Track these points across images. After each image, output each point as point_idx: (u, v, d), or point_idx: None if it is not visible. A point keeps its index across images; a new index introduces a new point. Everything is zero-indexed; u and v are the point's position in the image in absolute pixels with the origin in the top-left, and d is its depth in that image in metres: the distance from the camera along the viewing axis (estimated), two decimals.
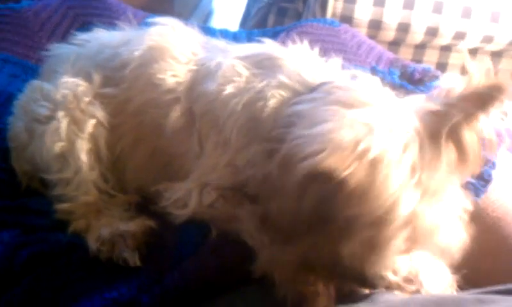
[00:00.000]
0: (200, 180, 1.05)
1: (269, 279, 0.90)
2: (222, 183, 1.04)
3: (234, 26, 2.86)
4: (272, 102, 0.99)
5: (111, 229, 1.02)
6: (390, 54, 1.71)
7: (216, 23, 3.54)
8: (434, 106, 0.81)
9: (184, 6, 3.23)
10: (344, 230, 0.77)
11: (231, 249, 0.99)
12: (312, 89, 0.97)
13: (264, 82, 1.02)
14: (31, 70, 1.47)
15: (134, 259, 0.99)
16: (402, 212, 0.75)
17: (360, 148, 0.74)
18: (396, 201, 0.75)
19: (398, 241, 0.78)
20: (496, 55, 2.37)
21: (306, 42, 1.14)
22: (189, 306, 0.95)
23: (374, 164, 0.74)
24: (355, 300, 0.83)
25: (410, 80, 1.50)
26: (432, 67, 1.61)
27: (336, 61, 1.11)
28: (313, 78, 1.01)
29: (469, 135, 0.79)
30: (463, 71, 2.32)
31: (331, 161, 0.73)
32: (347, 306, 0.82)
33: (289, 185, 0.80)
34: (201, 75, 1.11)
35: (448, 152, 0.79)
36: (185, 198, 1.04)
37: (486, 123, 0.80)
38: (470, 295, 0.78)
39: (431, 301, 0.73)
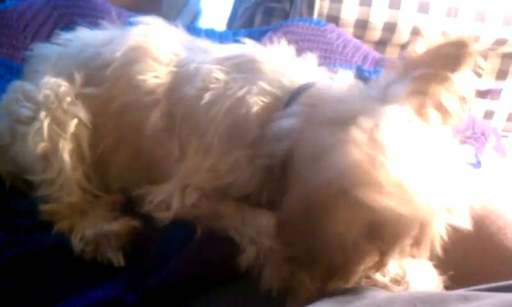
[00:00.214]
0: (181, 182, 1.05)
1: (254, 272, 0.92)
2: (204, 185, 1.04)
3: (222, 26, 2.86)
4: (254, 110, 1.00)
5: (95, 229, 1.02)
6: (375, 53, 1.72)
7: (203, 23, 3.54)
8: (412, 85, 0.81)
9: (172, 6, 3.22)
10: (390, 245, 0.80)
11: (216, 247, 0.99)
12: (292, 95, 0.98)
13: (245, 89, 1.02)
14: (15, 70, 1.46)
15: (118, 259, 0.98)
16: (436, 204, 0.77)
17: (379, 171, 0.74)
18: (429, 201, 0.76)
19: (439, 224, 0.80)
20: (482, 55, 2.39)
21: (283, 41, 1.14)
22: (174, 304, 0.95)
23: (399, 184, 0.74)
24: (341, 294, 0.83)
25: None
26: None
27: (311, 58, 1.11)
28: (292, 82, 1.01)
29: (447, 98, 0.81)
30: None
31: (365, 200, 0.73)
32: (332, 299, 0.82)
33: (323, 224, 0.79)
34: (181, 77, 1.11)
35: (436, 118, 0.81)
36: (167, 200, 1.04)
37: (461, 81, 0.81)
38: (454, 292, 0.78)
39: (416, 298, 0.73)
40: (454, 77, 0.80)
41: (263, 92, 1.01)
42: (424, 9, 2.17)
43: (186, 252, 0.99)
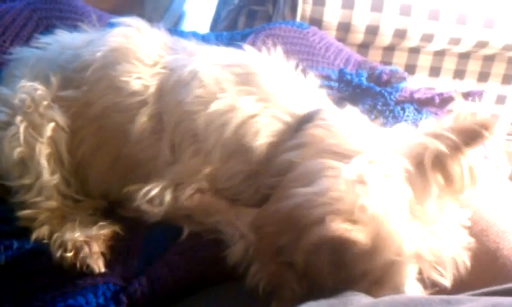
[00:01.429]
0: (175, 181, 1.04)
1: (241, 268, 0.92)
2: (199, 186, 1.04)
3: (205, 29, 2.85)
4: (264, 133, 1.02)
5: (74, 234, 1.01)
6: (358, 56, 1.72)
7: (187, 26, 3.53)
8: (419, 138, 0.87)
9: (155, 9, 3.21)
10: (355, 277, 0.83)
11: (200, 251, 0.98)
12: (300, 122, 1.02)
13: (256, 109, 1.03)
14: None
15: (98, 266, 0.97)
16: (408, 249, 0.81)
17: (358, 207, 0.80)
18: (401, 243, 0.80)
19: (408, 272, 0.84)
20: (464, 57, 2.41)
21: (280, 49, 1.16)
22: None
23: (374, 220, 0.80)
24: (326, 298, 0.83)
25: (378, 82, 1.51)
26: (401, 69, 1.63)
27: (313, 78, 1.15)
28: (300, 109, 1.05)
29: (456, 166, 0.84)
30: (431, 73, 2.36)
31: (337, 229, 0.79)
32: (317, 302, 0.81)
33: (294, 241, 0.86)
34: (172, 80, 1.10)
35: (436, 179, 0.85)
36: (160, 195, 1.03)
37: (472, 157, 0.85)
38: (437, 296, 0.79)
39: (399, 302, 0.73)
40: (467, 150, 0.84)
41: (273, 116, 1.03)
42: (406, 12, 2.18)
43: (169, 256, 0.98)
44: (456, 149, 0.84)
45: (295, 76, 1.13)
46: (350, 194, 0.81)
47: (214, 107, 1.03)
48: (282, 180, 0.94)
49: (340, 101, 1.21)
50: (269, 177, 0.99)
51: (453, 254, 0.85)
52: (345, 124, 0.98)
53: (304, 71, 1.16)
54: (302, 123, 1.01)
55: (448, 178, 0.85)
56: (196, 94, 1.05)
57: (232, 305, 0.93)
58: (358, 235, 0.79)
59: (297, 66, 1.15)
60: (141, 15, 1.26)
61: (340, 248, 0.81)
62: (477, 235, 1.02)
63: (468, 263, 0.87)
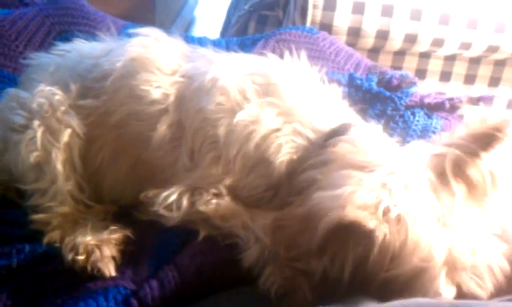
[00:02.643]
0: (192, 186, 1.05)
1: (256, 272, 0.93)
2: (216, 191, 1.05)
3: (215, 34, 2.86)
4: (286, 148, 1.03)
5: (86, 238, 1.01)
6: (368, 61, 1.72)
7: (197, 31, 3.55)
8: (437, 149, 0.89)
9: (166, 14, 3.22)
10: (382, 288, 0.82)
11: (211, 255, 0.99)
12: (325, 138, 1.02)
13: (278, 124, 1.04)
14: (7, 79, 1.46)
15: (109, 270, 0.98)
16: (438, 256, 0.81)
17: (381, 208, 0.80)
18: (430, 250, 0.80)
19: (440, 280, 0.82)
20: (475, 62, 2.40)
21: (304, 56, 1.16)
22: None
23: (399, 223, 0.80)
24: (335, 303, 0.83)
25: (388, 87, 1.51)
26: (411, 74, 1.63)
27: (335, 87, 1.15)
28: (324, 124, 1.05)
29: (474, 171, 0.86)
30: (441, 77, 2.36)
31: (356, 215, 0.78)
32: None
33: (312, 241, 0.84)
34: (193, 87, 1.11)
35: (460, 187, 0.86)
36: (178, 200, 1.04)
37: (491, 161, 0.86)
38: (446, 301, 0.79)
39: (408, 306, 0.73)
40: (484, 154, 0.86)
41: (296, 132, 1.04)
42: (416, 16, 2.17)
43: (180, 260, 0.99)
44: (473, 155, 0.85)
45: (318, 86, 1.14)
46: (373, 196, 0.81)
47: (238, 117, 1.04)
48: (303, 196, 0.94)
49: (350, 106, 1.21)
50: (290, 195, 1.00)
51: (488, 261, 0.84)
52: (368, 140, 0.99)
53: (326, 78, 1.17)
54: (327, 139, 1.02)
55: (470, 184, 0.86)
56: (217, 101, 1.06)
57: None
58: (378, 227, 0.78)
59: (320, 72, 1.16)
60: (152, 20, 1.28)
61: (365, 248, 0.80)
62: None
63: (507, 267, 0.86)
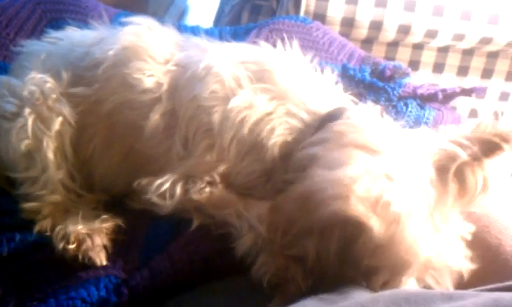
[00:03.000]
0: (185, 174, 1.05)
1: (249, 260, 0.93)
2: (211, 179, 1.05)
3: (208, 23, 2.85)
4: (279, 130, 1.02)
5: (77, 227, 1.01)
6: (361, 51, 1.72)
7: (190, 20, 3.52)
8: (444, 144, 0.88)
9: (159, 4, 3.20)
10: (364, 274, 0.83)
11: (202, 245, 0.99)
12: (319, 122, 1.01)
13: (271, 106, 1.03)
14: None
15: (100, 258, 0.98)
16: (422, 255, 0.81)
17: (382, 202, 0.79)
18: (416, 248, 0.80)
19: (415, 276, 0.84)
20: (468, 53, 2.40)
21: (296, 44, 1.16)
22: (158, 303, 0.95)
23: (393, 218, 0.79)
24: (327, 293, 0.83)
25: (381, 77, 1.51)
26: (404, 64, 1.62)
27: (329, 73, 1.14)
28: (319, 106, 1.05)
29: (472, 176, 0.86)
30: (434, 69, 2.36)
31: (357, 210, 0.79)
32: (318, 297, 0.82)
33: (309, 222, 0.84)
34: (186, 76, 1.10)
35: (453, 187, 0.86)
36: (172, 189, 1.03)
37: (488, 168, 0.87)
38: (439, 291, 0.79)
39: (400, 297, 0.73)
40: (485, 161, 0.86)
41: (290, 114, 1.03)
42: (410, 7, 2.17)
43: (171, 249, 0.99)
44: (475, 159, 0.86)
45: (311, 72, 1.13)
46: (375, 186, 0.81)
47: (231, 103, 1.03)
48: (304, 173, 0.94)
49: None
50: (288, 173, 0.99)
51: (452, 264, 0.85)
52: (368, 121, 0.98)
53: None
54: (324, 121, 1.01)
55: (463, 185, 0.87)
56: (211, 89, 1.06)
57: (233, 300, 0.93)
58: (375, 224, 0.79)
59: (312, 60, 1.15)
60: (144, 8, 1.26)
61: (352, 234, 0.80)
62: (479, 231, 1.02)
63: (464, 276, 0.87)
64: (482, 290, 0.75)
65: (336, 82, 1.15)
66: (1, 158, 1.13)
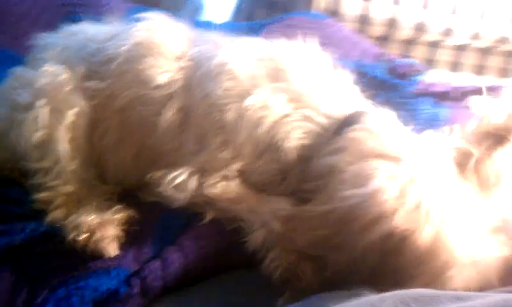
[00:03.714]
0: (200, 167, 1.05)
1: (260, 255, 0.93)
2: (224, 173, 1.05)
3: (224, 20, 2.85)
4: (296, 134, 1.01)
5: (89, 218, 1.01)
6: (375, 49, 1.71)
7: (206, 17, 3.52)
8: (457, 142, 0.89)
9: (174, 0, 3.21)
10: (403, 281, 0.81)
11: (214, 238, 1.00)
12: (336, 126, 1.00)
13: (288, 108, 1.02)
14: (11, 60, 1.45)
15: (111, 249, 0.98)
16: (464, 254, 0.81)
17: (422, 209, 0.80)
18: (458, 248, 0.81)
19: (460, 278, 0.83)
20: (485, 53, 2.38)
21: (315, 41, 1.15)
22: (169, 294, 0.95)
23: (436, 223, 0.80)
24: (336, 290, 0.83)
25: (395, 74, 1.50)
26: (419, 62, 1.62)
27: (346, 73, 1.13)
28: (336, 109, 1.03)
29: (489, 168, 0.86)
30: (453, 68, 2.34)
31: (400, 225, 0.80)
32: (328, 294, 0.82)
33: (341, 240, 0.85)
34: (199, 73, 1.10)
35: (473, 181, 0.86)
36: (186, 181, 1.03)
37: (499, 159, 0.87)
38: (448, 292, 0.79)
39: (409, 296, 0.73)
40: (494, 154, 0.87)
41: (308, 118, 1.02)
42: (426, 5, 2.16)
43: (183, 241, 0.99)
44: (484, 154, 0.86)
45: (328, 71, 1.12)
46: (409, 194, 0.81)
47: (247, 102, 1.02)
48: (324, 184, 0.93)
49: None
50: (307, 181, 0.99)
51: (495, 255, 0.84)
52: (384, 127, 0.97)
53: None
54: (341, 127, 1.00)
55: (483, 180, 0.87)
56: (225, 87, 1.05)
57: (241, 295, 0.93)
58: (420, 233, 0.79)
59: (331, 58, 1.14)
60: (160, 4, 1.27)
61: (396, 247, 0.81)
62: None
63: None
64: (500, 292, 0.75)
65: (354, 82, 1.15)
66: (14, 150, 1.13)
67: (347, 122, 1.00)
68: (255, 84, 1.04)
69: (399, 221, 0.80)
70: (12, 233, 1.01)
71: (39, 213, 1.06)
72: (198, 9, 3.57)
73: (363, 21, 2.19)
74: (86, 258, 0.98)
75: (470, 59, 2.37)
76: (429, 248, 0.80)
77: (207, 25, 1.70)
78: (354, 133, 0.96)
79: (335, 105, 1.04)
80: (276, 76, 1.05)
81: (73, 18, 1.53)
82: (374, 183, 0.83)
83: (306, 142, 1.02)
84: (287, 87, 1.04)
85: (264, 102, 1.03)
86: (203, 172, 1.04)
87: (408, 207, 0.80)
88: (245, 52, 1.11)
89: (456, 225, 0.81)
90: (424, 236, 0.79)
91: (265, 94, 1.03)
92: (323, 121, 1.02)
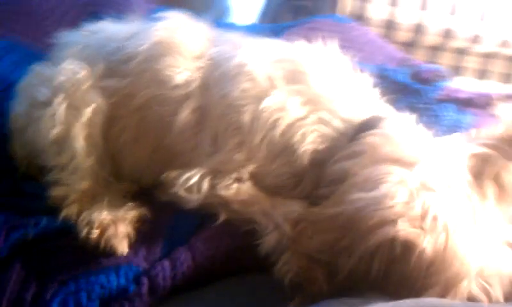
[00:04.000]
0: (214, 168, 1.04)
1: (272, 259, 0.92)
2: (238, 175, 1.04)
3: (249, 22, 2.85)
4: (311, 138, 1.00)
5: (101, 215, 1.01)
6: (399, 53, 1.69)
7: (233, 19, 3.53)
8: (477, 149, 0.86)
9: (201, 2, 3.22)
10: (414, 290, 0.80)
11: (225, 240, 0.98)
12: (353, 131, 0.99)
13: (304, 111, 1.01)
14: (34, 58, 1.46)
15: (122, 247, 0.97)
16: (474, 265, 0.79)
17: (429, 217, 0.78)
18: (468, 259, 0.78)
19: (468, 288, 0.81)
20: None
21: (335, 44, 1.14)
22: (178, 294, 0.94)
23: (444, 232, 0.78)
24: (347, 296, 0.81)
25: (419, 80, 1.47)
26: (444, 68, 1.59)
27: (366, 76, 1.11)
28: (353, 113, 1.02)
29: (507, 175, 0.84)
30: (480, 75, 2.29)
31: (406, 232, 0.77)
32: (338, 300, 0.80)
33: (348, 244, 0.83)
34: (217, 73, 1.10)
35: (492, 191, 0.84)
36: (199, 183, 1.03)
37: None
38: (460, 302, 0.77)
39: (421, 305, 0.71)
40: None
41: (322, 121, 1.01)
42: (453, 11, 2.12)
43: (194, 242, 0.98)
44: (509, 160, 0.83)
45: (348, 74, 1.10)
46: (417, 200, 0.79)
47: (264, 104, 1.02)
48: (337, 188, 0.92)
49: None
50: (321, 186, 0.98)
51: (503, 271, 0.82)
52: (402, 132, 0.96)
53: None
54: (358, 131, 0.98)
55: (502, 190, 0.84)
56: (243, 88, 1.04)
57: (251, 298, 0.92)
58: (426, 241, 0.77)
59: (351, 60, 1.13)
60: (186, 6, 1.26)
61: (403, 255, 0.78)
62: None
63: None
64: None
65: (374, 86, 1.13)
66: (31, 146, 1.14)
67: (365, 127, 0.99)
68: (273, 86, 1.03)
69: (404, 227, 0.77)
70: (25, 227, 1.02)
71: (54, 209, 1.06)
72: (225, 11, 3.58)
73: (389, 26, 2.16)
74: (97, 254, 0.98)
75: (497, 66, 2.31)
76: (436, 258, 0.78)
77: (229, 27, 1.69)
78: (371, 138, 0.94)
79: (353, 109, 1.03)
80: (294, 78, 1.04)
81: (97, 17, 1.54)
82: (384, 188, 0.82)
83: (321, 146, 1.00)
84: (305, 90, 1.03)
85: (280, 103, 1.02)
86: (217, 173, 1.04)
87: (414, 214, 0.78)
88: (264, 53, 1.10)
89: (465, 235, 0.79)
90: (429, 244, 0.77)
91: (282, 96, 1.02)
92: (340, 125, 1.01)
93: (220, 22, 1.82)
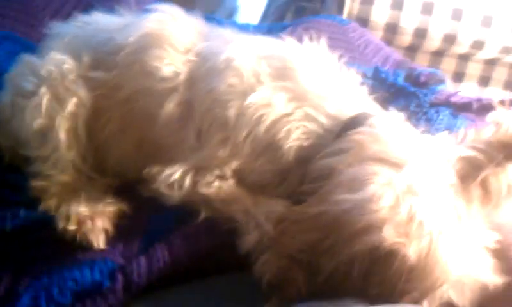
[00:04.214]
0: (196, 165, 1.03)
1: (252, 258, 0.90)
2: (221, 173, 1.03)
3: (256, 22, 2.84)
4: (296, 134, 0.99)
5: (79, 208, 1.00)
6: (397, 56, 1.68)
7: (239, 20, 3.53)
8: (465, 152, 0.84)
9: (208, 2, 3.21)
10: (392, 294, 0.79)
11: (204, 238, 0.97)
12: (340, 128, 0.97)
13: (290, 107, 1.00)
14: (30, 49, 1.46)
15: (98, 241, 0.96)
16: (455, 272, 0.78)
17: (414, 223, 0.77)
18: (449, 266, 0.77)
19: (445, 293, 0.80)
20: None
21: (323, 42, 1.12)
22: (153, 291, 0.93)
23: (427, 239, 0.77)
24: (326, 298, 0.80)
25: (415, 83, 1.45)
26: (443, 73, 1.57)
27: (353, 74, 1.09)
28: (340, 110, 1.00)
29: (496, 182, 0.82)
30: (483, 82, 2.27)
31: (389, 238, 0.76)
32: (318, 302, 0.80)
33: (330, 245, 0.82)
34: (205, 67, 1.08)
35: (477, 194, 0.82)
36: (181, 180, 1.02)
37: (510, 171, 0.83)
38: None
39: None
40: (507, 165, 0.82)
41: (308, 117, 0.99)
42: (457, 16, 2.10)
43: (172, 239, 0.97)
44: (497, 165, 0.81)
45: (336, 72, 1.09)
46: (403, 204, 0.78)
47: (249, 99, 1.00)
48: (322, 185, 0.90)
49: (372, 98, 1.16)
50: (305, 183, 0.96)
51: (479, 278, 0.80)
52: (390, 131, 0.94)
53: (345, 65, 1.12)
54: (345, 129, 0.97)
55: (487, 195, 0.82)
56: (229, 83, 1.03)
57: (229, 297, 0.91)
58: (409, 248, 0.76)
59: (339, 59, 1.11)
60: (193, 7, 1.26)
61: (385, 260, 0.77)
62: (504, 249, 0.96)
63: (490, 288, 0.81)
64: None
65: (362, 84, 1.11)
66: (15, 136, 1.13)
67: (352, 124, 0.97)
68: (259, 82, 1.02)
69: (389, 233, 0.76)
70: (4, 219, 1.01)
71: (34, 201, 1.05)
72: (232, 11, 3.58)
73: (393, 30, 2.14)
74: (74, 248, 0.96)
75: (500, 73, 2.29)
76: (419, 264, 0.76)
77: (228, 25, 1.68)
78: (358, 136, 0.93)
79: (340, 106, 1.01)
80: (281, 74, 1.03)
81: (94, 9, 1.53)
82: (370, 189, 0.80)
83: (306, 142, 0.99)
84: (292, 86, 1.01)
85: (266, 99, 1.00)
86: (199, 170, 1.02)
87: (399, 219, 0.77)
88: (253, 49, 1.08)
89: (448, 242, 0.77)
90: (413, 251, 0.75)
91: (268, 92, 1.01)
92: (325, 121, 0.99)
93: (220, 19, 1.81)
